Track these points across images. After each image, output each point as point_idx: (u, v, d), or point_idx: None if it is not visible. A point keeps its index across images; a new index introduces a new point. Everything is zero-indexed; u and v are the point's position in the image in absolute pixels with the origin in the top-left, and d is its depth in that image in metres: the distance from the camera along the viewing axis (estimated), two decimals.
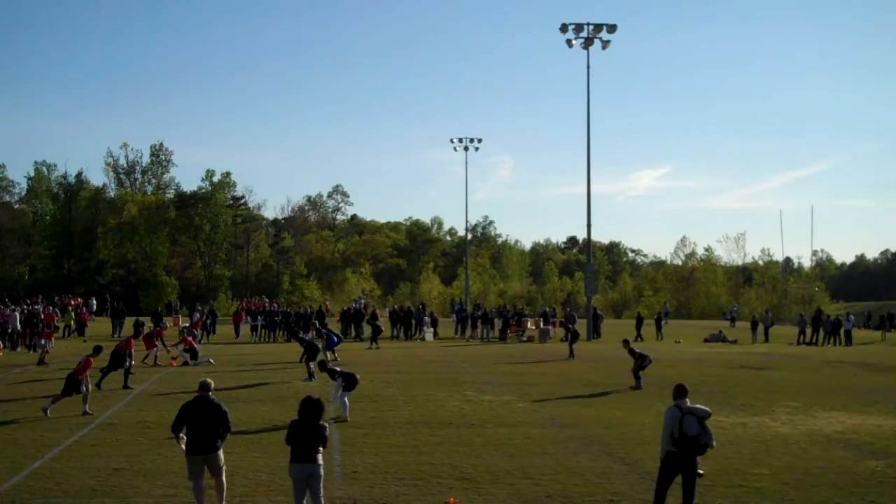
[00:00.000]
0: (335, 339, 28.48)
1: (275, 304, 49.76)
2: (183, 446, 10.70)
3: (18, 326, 34.54)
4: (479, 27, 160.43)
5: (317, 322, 35.04)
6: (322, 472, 9.84)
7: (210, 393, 10.89)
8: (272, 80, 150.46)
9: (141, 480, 12.26)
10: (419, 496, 11.63)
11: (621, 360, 30.79)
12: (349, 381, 17.73)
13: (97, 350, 19.38)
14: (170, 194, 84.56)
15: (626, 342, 24.59)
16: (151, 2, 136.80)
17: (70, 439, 15.21)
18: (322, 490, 9.89)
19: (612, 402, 20.38)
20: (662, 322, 47.12)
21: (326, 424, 9.98)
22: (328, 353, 26.94)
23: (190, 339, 30.42)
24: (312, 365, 23.42)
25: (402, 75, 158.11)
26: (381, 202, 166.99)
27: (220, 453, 10.67)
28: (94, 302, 56.14)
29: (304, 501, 9.78)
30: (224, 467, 10.79)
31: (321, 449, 9.83)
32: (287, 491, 11.32)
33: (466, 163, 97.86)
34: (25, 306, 39.48)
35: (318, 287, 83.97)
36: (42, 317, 36.22)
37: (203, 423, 10.55)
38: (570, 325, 34.64)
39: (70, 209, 78.47)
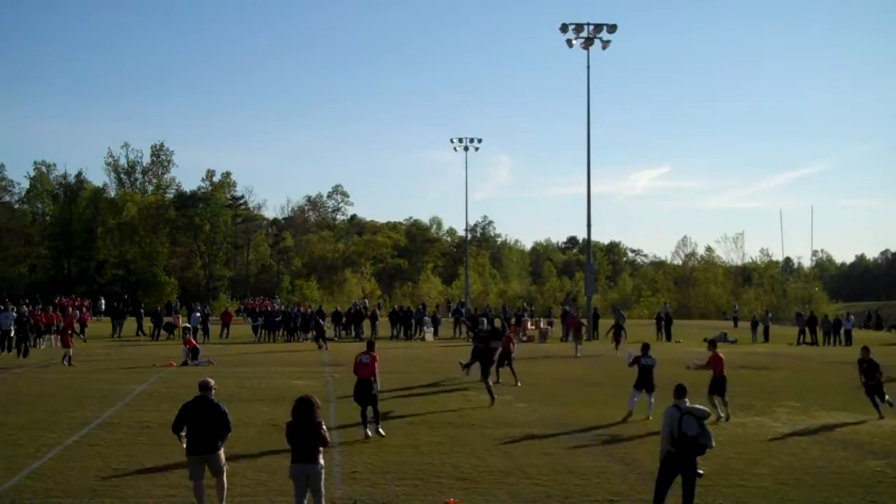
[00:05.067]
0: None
1: (274, 305, 49.80)
2: (185, 445, 10.68)
3: (12, 328, 33.19)
4: (479, 27, 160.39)
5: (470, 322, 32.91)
6: (321, 471, 9.79)
7: (211, 393, 10.83)
8: (272, 80, 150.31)
9: (141, 480, 12.25)
10: (419, 496, 11.63)
11: (621, 360, 30.82)
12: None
13: (370, 346, 16.86)
14: (170, 194, 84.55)
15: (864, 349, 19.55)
16: (151, 2, 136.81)
17: (70, 439, 15.21)
18: (323, 490, 9.87)
19: (612, 402, 20.37)
20: (671, 323, 45.65)
21: (322, 422, 9.90)
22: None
23: (191, 338, 30.47)
24: (491, 380, 20.64)
25: (401, 75, 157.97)
26: (380, 202, 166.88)
27: (221, 453, 10.64)
28: (103, 302, 56.17)
29: (305, 502, 9.77)
30: (225, 467, 10.77)
31: (321, 449, 9.80)
32: (287, 491, 11.32)
33: (466, 163, 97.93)
34: (26, 307, 39.33)
35: (318, 287, 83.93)
36: (33, 319, 35.30)
37: (203, 424, 10.51)
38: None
39: (70, 209, 78.36)
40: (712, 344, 19.24)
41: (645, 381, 18.00)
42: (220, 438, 10.58)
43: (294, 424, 9.82)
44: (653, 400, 17.71)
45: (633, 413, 17.83)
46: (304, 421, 9.74)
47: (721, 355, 18.21)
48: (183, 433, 10.69)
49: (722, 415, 17.70)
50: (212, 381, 11.04)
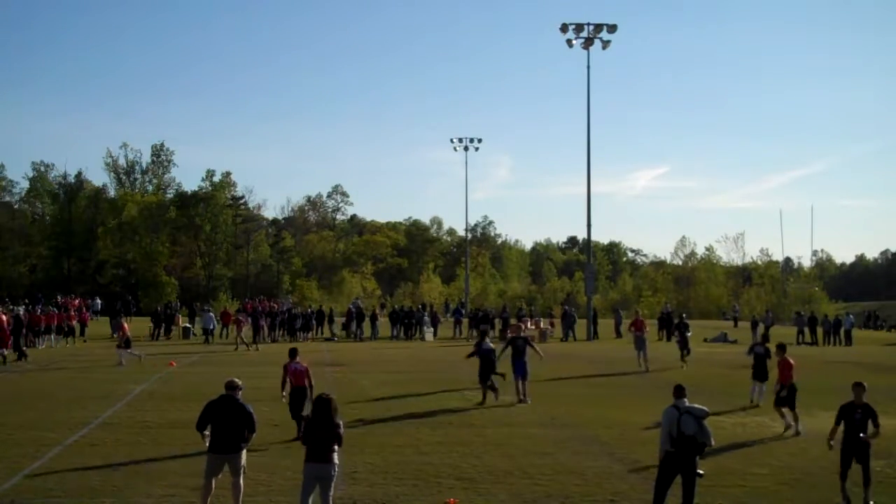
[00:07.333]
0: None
1: (273, 305, 49.68)
2: (207, 444, 10.58)
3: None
4: (479, 27, 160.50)
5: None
6: (336, 471, 9.75)
7: (237, 392, 10.69)
8: (272, 79, 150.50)
9: (141, 480, 12.25)
10: (419, 496, 11.62)
11: (621, 361, 30.79)
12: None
13: (293, 353, 16.13)
14: (170, 194, 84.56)
15: None
16: (151, 2, 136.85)
17: (70, 439, 15.21)
18: (332, 491, 9.83)
19: (612, 402, 20.37)
20: (672, 323, 45.23)
21: (341, 423, 9.87)
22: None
23: (126, 327, 30.09)
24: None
25: (401, 75, 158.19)
26: (380, 202, 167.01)
27: (243, 454, 10.55)
28: (100, 301, 56.10)
29: (311, 500, 9.72)
30: (244, 468, 10.67)
31: (336, 448, 9.74)
32: (287, 491, 11.33)
33: (466, 163, 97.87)
34: (26, 306, 39.29)
35: (318, 287, 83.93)
36: (30, 319, 35.00)
37: (228, 423, 10.41)
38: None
39: (70, 209, 78.43)
40: (781, 348, 17.79)
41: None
42: (244, 439, 10.50)
43: (313, 422, 9.79)
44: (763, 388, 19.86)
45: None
46: (323, 420, 9.70)
47: (791, 360, 17.21)
48: (206, 432, 10.62)
49: (794, 429, 16.44)
50: (238, 381, 10.91)
